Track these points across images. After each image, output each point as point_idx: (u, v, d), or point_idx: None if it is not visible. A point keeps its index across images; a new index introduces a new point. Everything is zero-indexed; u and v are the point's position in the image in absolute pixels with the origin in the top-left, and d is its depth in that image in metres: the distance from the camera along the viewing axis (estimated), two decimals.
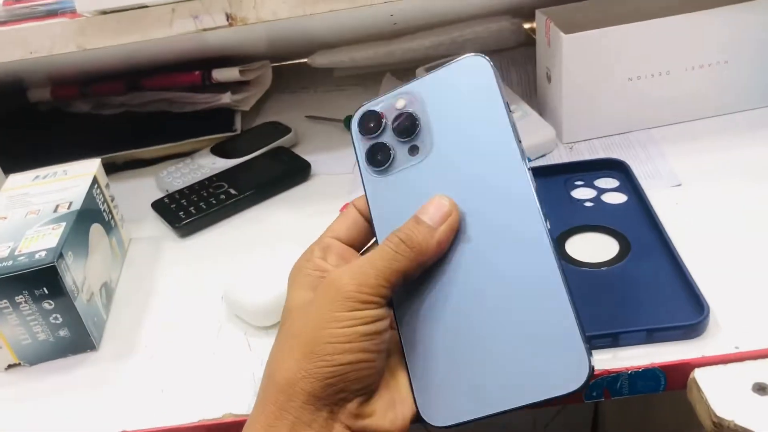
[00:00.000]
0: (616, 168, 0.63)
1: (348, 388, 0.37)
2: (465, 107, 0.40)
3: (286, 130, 0.77)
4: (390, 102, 0.42)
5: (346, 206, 0.43)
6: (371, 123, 0.42)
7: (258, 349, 0.52)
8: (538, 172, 0.63)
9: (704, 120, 0.69)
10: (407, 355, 0.40)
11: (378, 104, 0.43)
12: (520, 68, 0.81)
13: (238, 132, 0.78)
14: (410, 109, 0.41)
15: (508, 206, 0.38)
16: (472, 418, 0.38)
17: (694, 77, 0.66)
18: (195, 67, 0.80)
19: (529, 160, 0.68)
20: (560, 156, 0.68)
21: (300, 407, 0.36)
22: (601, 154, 0.67)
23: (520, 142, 0.39)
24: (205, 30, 0.60)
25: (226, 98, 0.79)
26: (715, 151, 0.65)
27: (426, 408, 0.39)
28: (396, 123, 0.41)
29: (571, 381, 0.36)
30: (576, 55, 0.65)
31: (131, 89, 0.82)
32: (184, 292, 0.59)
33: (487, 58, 0.40)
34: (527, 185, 0.38)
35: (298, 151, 0.75)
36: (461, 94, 0.40)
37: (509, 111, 0.40)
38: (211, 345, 0.53)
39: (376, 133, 0.42)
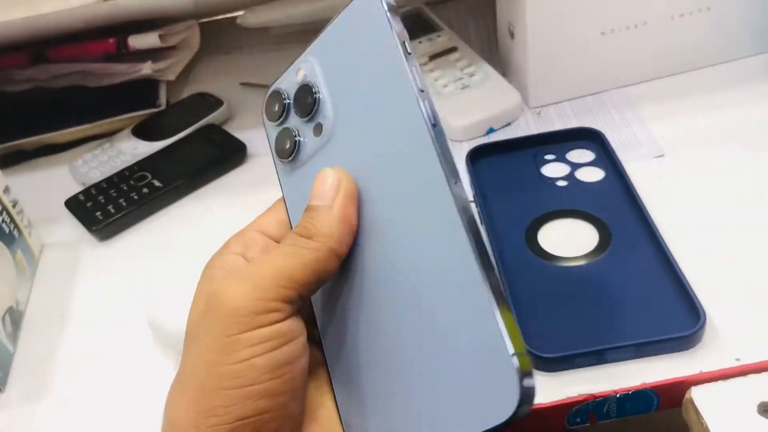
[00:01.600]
0: (591, 138, 0.56)
1: None
2: (360, 66, 0.31)
3: (217, 103, 0.68)
4: (291, 76, 0.34)
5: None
6: (275, 106, 0.34)
7: None
8: (504, 146, 0.57)
9: (686, 74, 0.61)
10: (333, 378, 0.32)
11: (282, 81, 0.35)
12: (479, 19, 0.72)
13: (163, 107, 0.69)
14: (308, 80, 0.33)
15: (414, 188, 0.29)
16: None
17: (674, 27, 0.59)
18: (110, 34, 0.69)
19: (493, 130, 0.61)
20: (527, 124, 0.60)
21: None
22: (573, 121, 0.59)
23: (425, 101, 0.29)
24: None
25: (147, 68, 0.69)
26: (701, 110, 0.57)
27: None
28: (295, 100, 0.33)
29: (496, 412, 0.25)
30: (542, 8, 0.56)
31: (37, 61, 0.71)
32: (106, 313, 0.51)
33: None
34: (430, 154, 0.28)
35: (232, 127, 0.66)
36: (355, 51, 0.32)
37: (410, 61, 0.29)
38: (137, 381, 0.46)
39: (281, 118, 0.34)
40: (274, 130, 0.34)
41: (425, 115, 0.28)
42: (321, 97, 0.32)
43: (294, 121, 0.34)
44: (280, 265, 0.29)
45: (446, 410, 0.27)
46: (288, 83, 0.34)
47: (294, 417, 0.30)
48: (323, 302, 0.33)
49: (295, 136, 0.33)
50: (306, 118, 0.33)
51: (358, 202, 0.31)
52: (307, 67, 0.33)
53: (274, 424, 0.28)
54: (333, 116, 0.32)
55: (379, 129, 0.30)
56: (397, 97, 0.29)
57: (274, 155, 0.34)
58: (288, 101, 0.34)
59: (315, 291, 0.31)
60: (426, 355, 0.28)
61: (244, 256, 0.33)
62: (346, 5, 0.32)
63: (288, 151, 0.33)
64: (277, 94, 0.34)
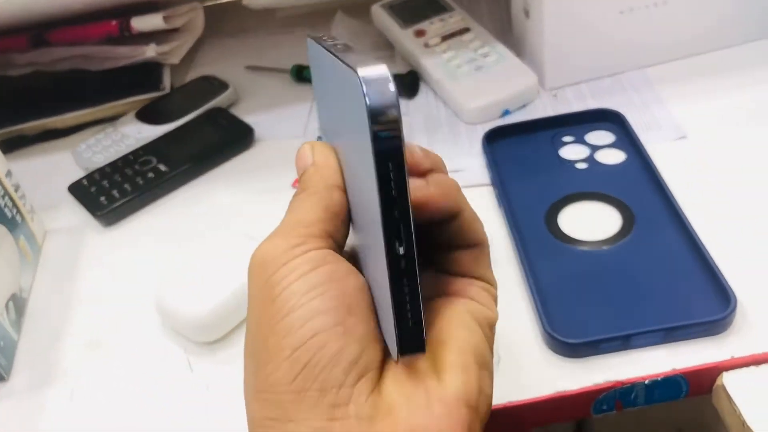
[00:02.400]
0: (611, 119, 0.54)
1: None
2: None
3: (223, 86, 0.66)
4: None
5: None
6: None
7: (201, 370, 0.43)
8: (521, 128, 0.55)
9: (707, 55, 0.60)
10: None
11: None
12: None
13: (167, 91, 0.67)
14: None
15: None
16: None
17: (695, 6, 0.57)
18: (112, 16, 0.68)
19: (508, 112, 0.60)
20: (543, 106, 0.59)
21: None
22: (591, 102, 0.58)
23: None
24: None
25: (151, 51, 0.67)
26: (724, 92, 0.56)
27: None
28: None
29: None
30: None
31: (37, 45, 0.70)
32: (111, 298, 0.49)
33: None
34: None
35: (238, 111, 0.64)
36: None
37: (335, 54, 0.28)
38: (145, 367, 0.44)
39: None
40: None
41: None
42: None
43: None
44: (290, 218, 0.29)
45: None
46: None
47: (360, 337, 0.26)
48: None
49: None
50: None
51: (335, 155, 0.31)
52: None
53: (335, 345, 0.26)
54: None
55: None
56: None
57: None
58: None
59: (338, 228, 0.29)
60: None
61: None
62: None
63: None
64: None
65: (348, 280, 0.27)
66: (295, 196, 0.30)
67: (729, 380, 0.37)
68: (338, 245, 0.29)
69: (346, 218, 0.30)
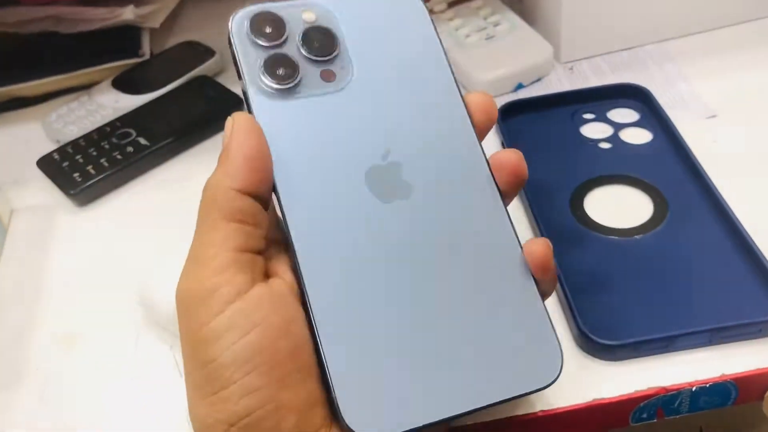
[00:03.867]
0: (634, 96, 0.50)
1: None
2: (387, 30, 0.33)
3: (209, 52, 0.60)
4: (293, 12, 0.33)
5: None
6: (270, 27, 0.32)
7: None
8: (538, 103, 0.51)
9: (731, 28, 0.56)
10: (320, 334, 0.28)
11: (279, 9, 0.33)
12: None
13: (147, 57, 0.61)
14: (326, 25, 0.33)
15: (449, 154, 0.31)
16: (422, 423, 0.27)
17: None
18: None
19: (522, 86, 0.55)
20: (559, 80, 0.54)
21: None
22: (610, 77, 0.54)
23: (453, 73, 0.33)
24: None
25: (129, 13, 0.62)
26: (750, 67, 0.52)
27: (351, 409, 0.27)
28: (307, 38, 0.32)
29: (543, 375, 0.29)
30: None
31: (3, 3, 0.64)
32: (87, 288, 0.44)
33: None
34: (467, 126, 0.32)
35: (225, 79, 0.59)
36: (383, 15, 0.34)
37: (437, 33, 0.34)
38: (126, 366, 0.39)
39: (278, 42, 0.32)
40: (260, 51, 0.32)
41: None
42: (343, 47, 0.32)
43: (295, 52, 0.32)
44: (203, 236, 0.28)
45: (484, 373, 0.28)
46: (289, 16, 0.32)
47: (298, 406, 0.26)
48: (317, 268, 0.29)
49: (298, 67, 0.32)
50: (318, 58, 0.32)
51: (252, 129, 0.29)
52: (320, 13, 0.33)
53: (271, 421, 0.26)
54: (350, 68, 0.32)
55: (407, 99, 0.32)
56: (431, 73, 0.33)
57: (257, 76, 0.31)
58: (288, 32, 0.32)
59: (259, 237, 0.29)
60: (465, 321, 0.29)
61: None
62: None
63: (285, 77, 0.31)
64: (276, 18, 0.32)
65: (280, 344, 0.26)
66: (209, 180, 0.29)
67: None
68: (258, 250, 0.29)
69: (257, 222, 0.29)
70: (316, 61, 0.32)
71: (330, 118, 0.31)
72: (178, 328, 0.28)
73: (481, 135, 0.32)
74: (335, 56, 0.32)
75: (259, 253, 0.28)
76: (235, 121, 0.29)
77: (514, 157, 0.31)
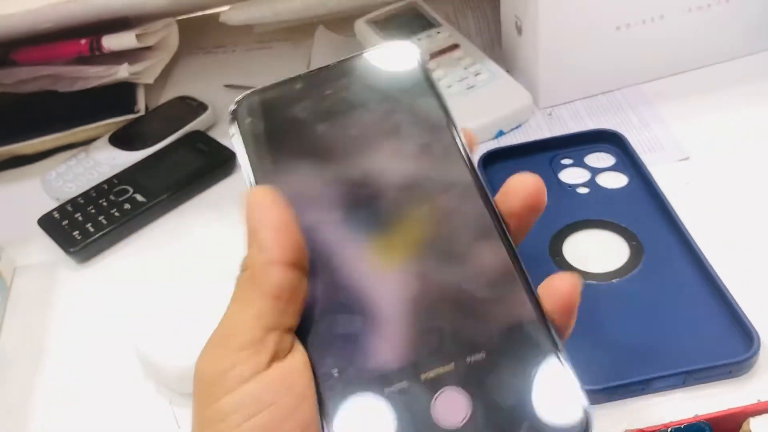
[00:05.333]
0: (610, 140, 0.52)
1: None
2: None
3: (201, 107, 0.63)
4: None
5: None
6: None
7: (189, 425, 0.40)
8: (518, 151, 0.53)
9: (705, 69, 0.58)
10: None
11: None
12: (479, 13, 0.68)
13: (142, 113, 0.64)
14: None
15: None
16: None
17: (692, 20, 0.55)
18: (81, 34, 0.64)
19: (502, 133, 0.57)
20: (538, 126, 0.56)
21: None
22: (588, 121, 0.56)
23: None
24: None
25: (123, 71, 0.64)
26: (724, 108, 0.54)
27: None
28: None
29: None
30: (553, 1, 0.52)
31: (2, 65, 0.66)
32: (88, 344, 0.46)
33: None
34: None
35: (218, 133, 0.61)
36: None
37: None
38: (126, 422, 0.41)
39: None
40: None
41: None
42: None
43: None
44: (232, 316, 0.26)
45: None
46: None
47: None
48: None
49: None
50: None
51: (274, 201, 0.27)
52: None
53: None
54: None
55: None
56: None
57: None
58: None
59: (285, 312, 0.26)
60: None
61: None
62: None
63: None
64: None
65: (286, 426, 0.25)
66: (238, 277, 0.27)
67: (756, 426, 0.35)
68: (288, 327, 0.26)
69: (295, 296, 0.26)
70: None
71: None
72: (193, 400, 0.27)
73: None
74: None
75: (289, 329, 0.27)
76: (253, 196, 0.27)
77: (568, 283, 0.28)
